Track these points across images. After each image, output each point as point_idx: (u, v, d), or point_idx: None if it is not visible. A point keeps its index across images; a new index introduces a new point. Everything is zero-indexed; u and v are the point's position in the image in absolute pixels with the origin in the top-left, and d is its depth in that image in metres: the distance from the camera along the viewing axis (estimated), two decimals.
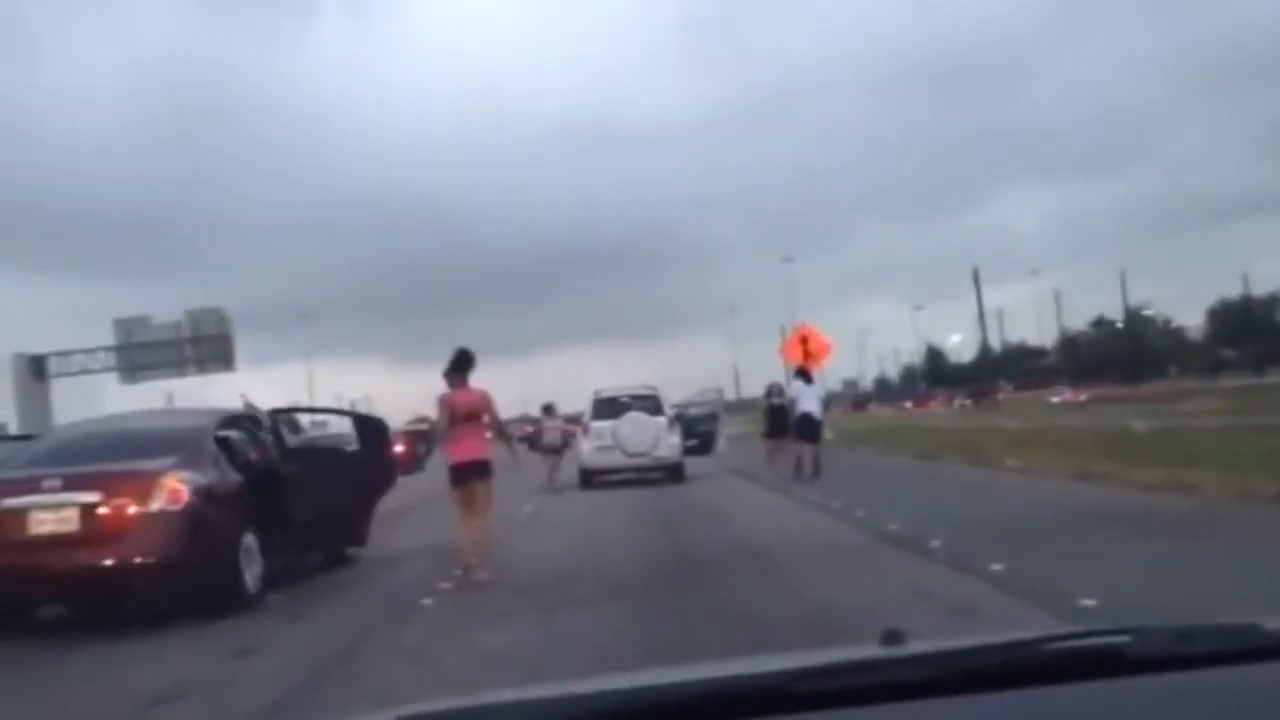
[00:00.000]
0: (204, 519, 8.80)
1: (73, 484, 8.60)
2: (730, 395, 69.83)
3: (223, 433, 10.07)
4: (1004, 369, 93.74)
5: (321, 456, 11.70)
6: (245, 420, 10.81)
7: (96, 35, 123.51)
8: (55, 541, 8.44)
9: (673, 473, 21.41)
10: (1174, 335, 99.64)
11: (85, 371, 56.82)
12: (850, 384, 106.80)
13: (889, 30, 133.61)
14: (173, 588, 8.56)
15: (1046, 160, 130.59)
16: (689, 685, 1.46)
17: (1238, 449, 15.84)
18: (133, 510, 8.53)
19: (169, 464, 8.91)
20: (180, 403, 67.72)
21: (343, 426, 13.02)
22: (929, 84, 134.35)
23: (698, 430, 24.47)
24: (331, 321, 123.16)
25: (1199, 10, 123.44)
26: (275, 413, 11.43)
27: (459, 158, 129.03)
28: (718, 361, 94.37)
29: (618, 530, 13.31)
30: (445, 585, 9.43)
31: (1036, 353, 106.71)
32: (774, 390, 22.78)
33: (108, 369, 57.01)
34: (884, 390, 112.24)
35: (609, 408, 22.09)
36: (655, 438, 21.42)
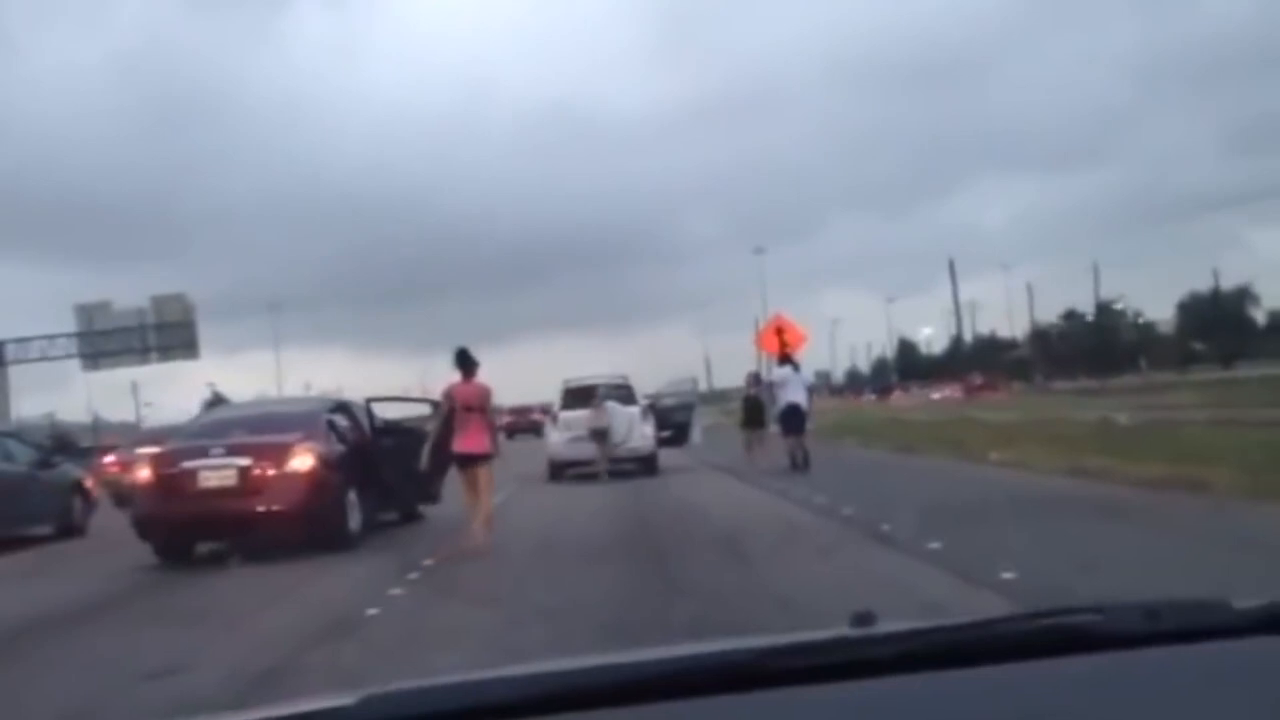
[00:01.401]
0: (323, 479, 11.44)
1: (231, 451, 11.45)
2: (702, 386, 69.07)
3: (331, 415, 12.76)
4: (975, 361, 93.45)
5: (403, 434, 13.90)
6: (347, 406, 13.58)
7: (68, 23, 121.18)
8: (218, 493, 11.22)
9: (646, 465, 20.56)
10: (1144, 329, 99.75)
11: (45, 358, 55.99)
12: (823, 375, 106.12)
13: (862, 26, 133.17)
14: (300, 529, 11.13)
15: (1016, 156, 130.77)
16: (660, 663, 1.45)
17: (1234, 444, 15.17)
18: (274, 471, 11.31)
19: (298, 437, 11.70)
20: (145, 391, 67.32)
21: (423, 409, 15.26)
22: (901, 80, 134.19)
23: (672, 421, 23.59)
24: (303, 311, 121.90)
25: (1168, 9, 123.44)
26: (369, 400, 14.23)
27: (432, 148, 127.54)
28: (690, 353, 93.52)
29: (586, 529, 12.42)
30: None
31: (1007, 345, 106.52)
32: (752, 379, 21.90)
33: (68, 356, 55.95)
34: (855, 382, 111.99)
35: (579, 397, 21.18)
36: (628, 428, 20.53)
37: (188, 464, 11.45)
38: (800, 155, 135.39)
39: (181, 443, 12.26)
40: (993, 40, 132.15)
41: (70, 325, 55.42)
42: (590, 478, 19.93)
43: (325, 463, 11.57)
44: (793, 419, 19.15)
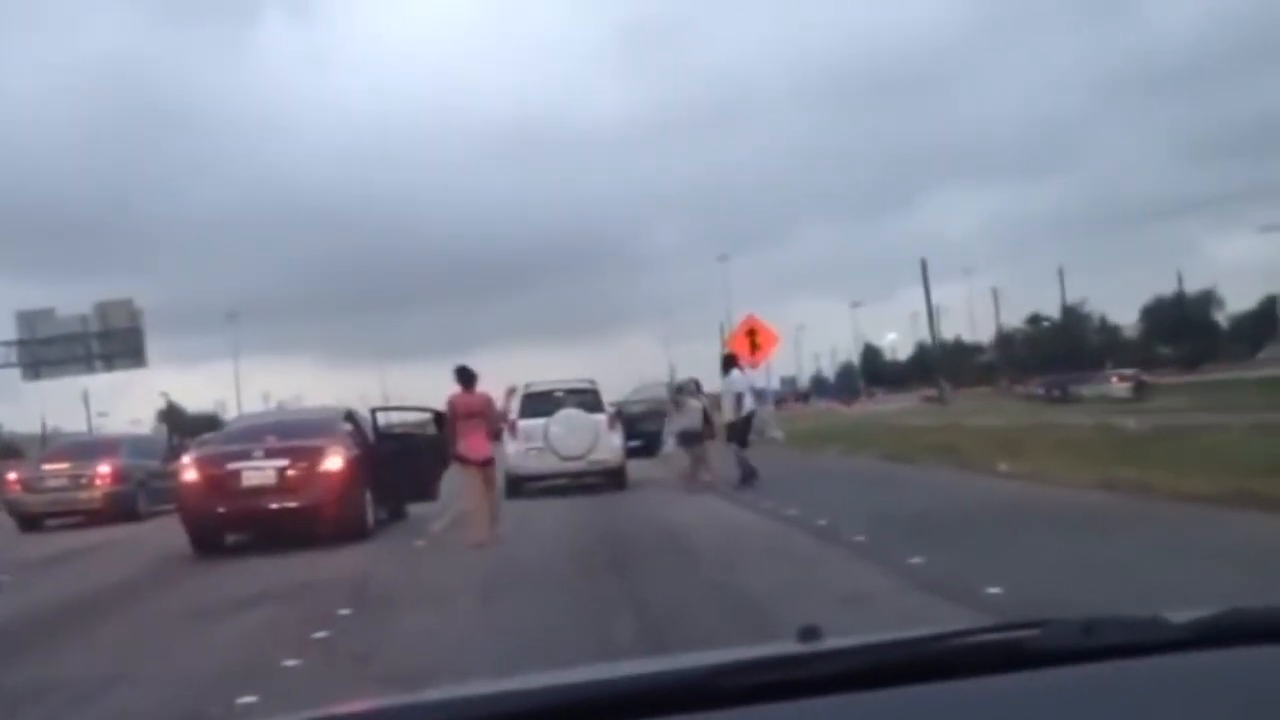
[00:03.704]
0: (349, 478, 12.72)
1: (270, 453, 12.68)
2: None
3: (344, 424, 13.95)
4: (942, 366, 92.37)
5: (403, 440, 15.46)
6: (353, 414, 14.74)
7: (25, 33, 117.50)
8: (258, 491, 12.41)
9: (614, 478, 18.51)
10: (1110, 332, 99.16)
11: None
12: (788, 381, 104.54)
13: (827, 39, 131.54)
14: (329, 523, 12.32)
15: (976, 167, 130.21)
16: (607, 683, 1.44)
17: (1270, 452, 13.38)
18: (308, 471, 12.55)
19: (326, 442, 13.02)
20: (98, 401, 67.22)
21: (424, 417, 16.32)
22: (864, 92, 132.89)
23: (641, 429, 21.49)
24: (263, 321, 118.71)
25: (1121, 21, 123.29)
26: (373, 409, 15.50)
27: (397, 158, 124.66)
28: (655, 361, 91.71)
29: (548, 560, 10.40)
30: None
31: (973, 350, 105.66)
32: (692, 387, 19.35)
33: (7, 365, 53.20)
34: (821, 388, 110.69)
35: (540, 404, 19.08)
36: (593, 438, 18.47)
37: (232, 465, 12.58)
38: (765, 165, 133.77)
39: (223, 446, 13.44)
40: (953, 53, 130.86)
41: (10, 334, 52.82)
42: (553, 491, 17.90)
43: (350, 464, 12.78)
44: (744, 429, 17.41)
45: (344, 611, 7.74)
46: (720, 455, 17.53)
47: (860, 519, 10.89)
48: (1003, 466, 16.03)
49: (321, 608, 7.97)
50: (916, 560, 8.23)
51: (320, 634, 6.91)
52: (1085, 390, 58.73)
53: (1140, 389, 54.75)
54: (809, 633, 1.52)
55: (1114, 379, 61.42)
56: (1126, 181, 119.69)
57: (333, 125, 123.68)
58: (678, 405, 18.18)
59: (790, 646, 1.50)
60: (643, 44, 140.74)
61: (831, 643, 1.50)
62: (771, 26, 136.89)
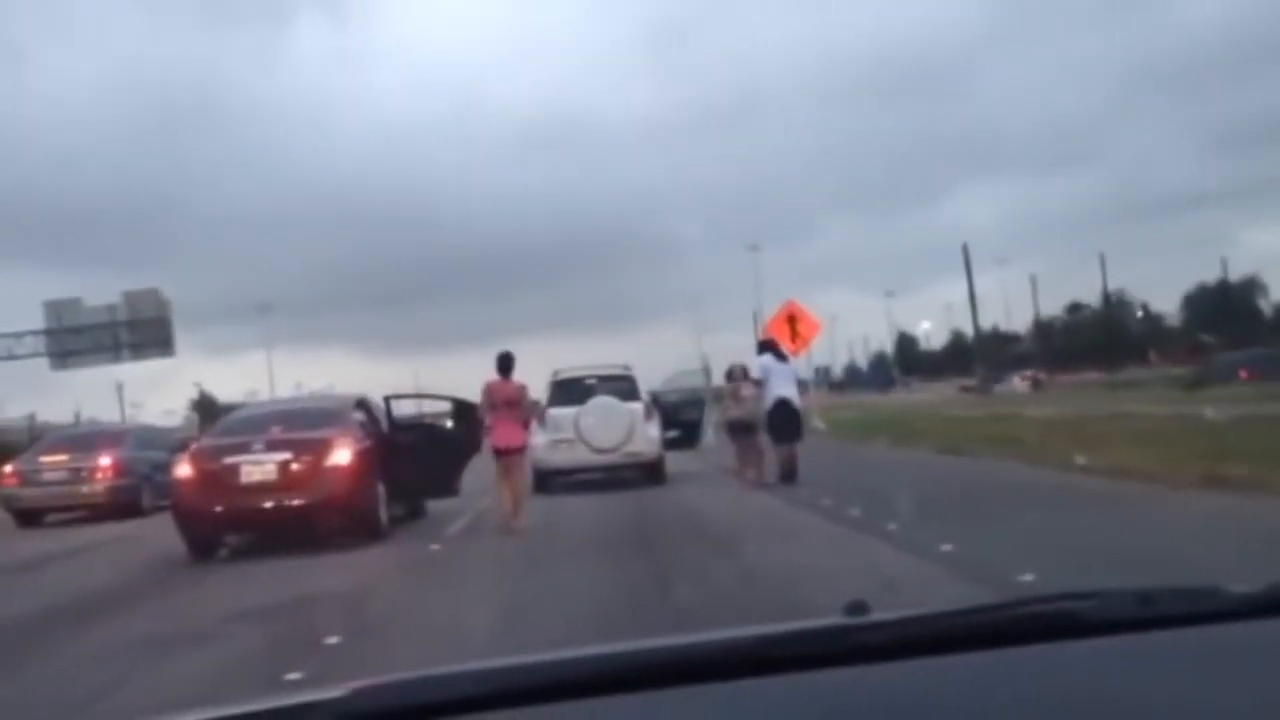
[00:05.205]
0: (359, 472, 11.75)
1: (272, 446, 11.72)
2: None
3: (355, 413, 12.96)
4: (980, 355, 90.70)
5: (421, 431, 14.57)
6: (365, 403, 13.59)
7: (62, 33, 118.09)
8: (259, 487, 11.45)
9: (651, 472, 17.09)
10: (1152, 321, 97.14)
11: (11, 357, 52.66)
12: (822, 371, 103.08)
13: (857, 32, 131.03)
14: (337, 521, 11.52)
15: (1007, 159, 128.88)
16: (658, 651, 1.44)
17: None
18: (313, 465, 11.58)
19: (334, 433, 12.05)
20: (131, 391, 67.46)
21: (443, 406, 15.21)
22: (894, 85, 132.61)
23: (680, 419, 20.02)
24: (296, 313, 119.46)
25: (1160, 11, 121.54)
26: (387, 398, 14.13)
27: (427, 152, 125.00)
28: (688, 352, 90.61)
29: (581, 572, 8.99)
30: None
31: (1010, 339, 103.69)
32: (740, 373, 17.37)
33: (35, 354, 52.63)
34: (855, 377, 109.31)
35: (571, 391, 17.71)
36: (628, 428, 17.07)
37: (229, 460, 11.65)
38: (795, 158, 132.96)
39: (221, 439, 12.46)
40: (984, 46, 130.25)
41: (39, 324, 52.17)
42: (585, 486, 16.55)
43: (359, 457, 11.88)
44: (783, 420, 15.26)
45: (332, 640, 6.36)
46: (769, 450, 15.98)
47: (939, 523, 9.47)
48: (1080, 460, 14.50)
49: (307, 633, 6.64)
50: (1028, 577, 6.78)
51: (294, 674, 5.49)
52: (997, 387, 65.51)
53: (1038, 385, 60.48)
54: (856, 607, 1.47)
55: (1017, 379, 70.92)
56: (1154, 174, 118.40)
57: (366, 121, 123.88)
58: (731, 392, 16.46)
59: (840, 619, 1.45)
60: (672, 39, 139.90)
61: (880, 615, 1.46)
62: (803, 21, 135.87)
